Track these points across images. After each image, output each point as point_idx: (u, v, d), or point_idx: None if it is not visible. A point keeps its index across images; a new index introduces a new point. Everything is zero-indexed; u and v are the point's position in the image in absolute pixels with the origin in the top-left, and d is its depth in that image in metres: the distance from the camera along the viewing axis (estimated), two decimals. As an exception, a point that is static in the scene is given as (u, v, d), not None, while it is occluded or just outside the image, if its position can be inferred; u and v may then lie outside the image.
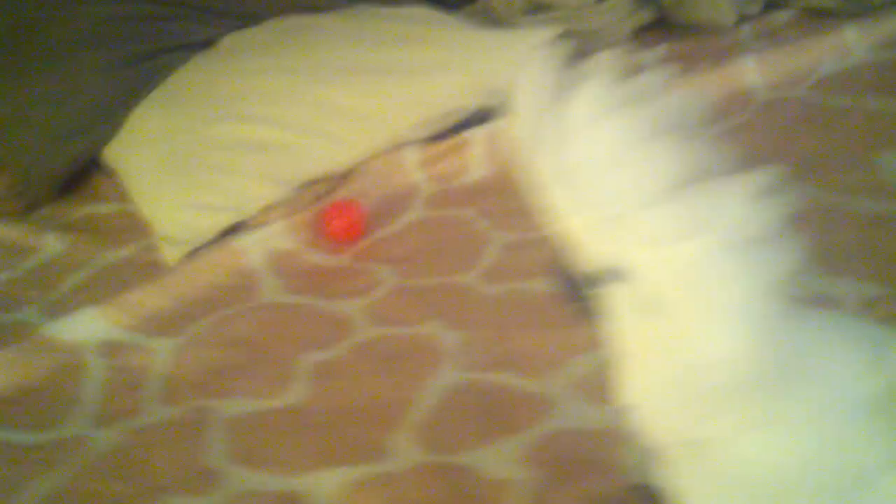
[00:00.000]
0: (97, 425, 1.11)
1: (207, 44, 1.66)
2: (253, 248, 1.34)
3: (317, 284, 1.30)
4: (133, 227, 1.47)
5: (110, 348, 1.21)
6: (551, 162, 0.60)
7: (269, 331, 1.22)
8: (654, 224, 0.59)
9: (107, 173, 1.57)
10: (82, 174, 1.60)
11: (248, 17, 1.71)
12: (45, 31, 1.60)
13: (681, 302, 0.61)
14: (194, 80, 1.56)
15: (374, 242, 1.37)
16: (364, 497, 0.96)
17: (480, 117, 1.53)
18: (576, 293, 0.68)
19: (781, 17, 1.84)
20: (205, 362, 1.18)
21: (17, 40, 1.60)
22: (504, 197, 1.41)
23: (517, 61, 1.56)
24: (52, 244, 1.46)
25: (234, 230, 1.39)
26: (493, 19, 1.82)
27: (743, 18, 1.83)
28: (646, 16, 1.85)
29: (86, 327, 1.23)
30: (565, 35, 1.63)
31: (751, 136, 1.45)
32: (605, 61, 0.58)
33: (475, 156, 1.48)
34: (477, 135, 1.49)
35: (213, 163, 1.43)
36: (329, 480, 0.98)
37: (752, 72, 1.61)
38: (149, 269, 1.36)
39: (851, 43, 1.66)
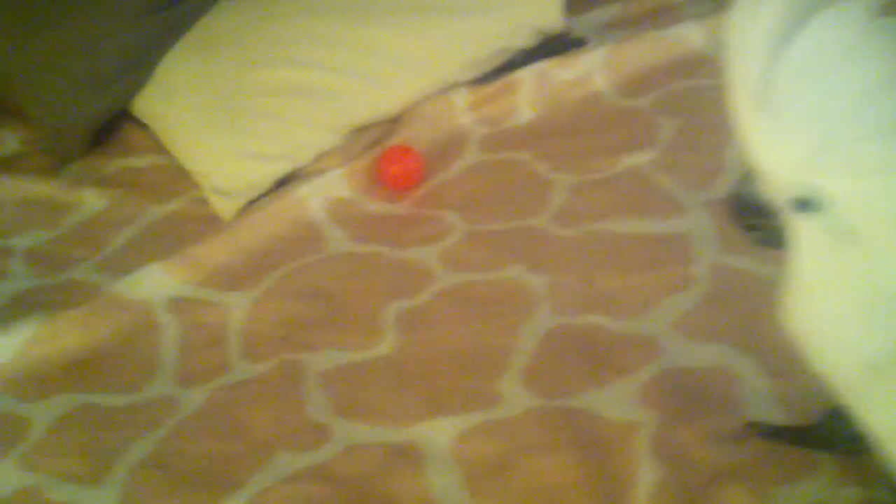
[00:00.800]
0: (184, 385, 1.08)
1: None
2: (312, 198, 1.31)
3: (384, 233, 1.27)
4: (175, 179, 1.42)
5: (182, 305, 1.17)
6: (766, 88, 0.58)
7: (344, 281, 1.19)
8: (868, 156, 0.58)
9: (139, 125, 1.51)
10: (113, 127, 1.53)
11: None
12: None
13: (881, 236, 0.61)
14: (228, 24, 1.50)
15: (432, 188, 1.34)
16: (482, 445, 0.94)
17: (524, 58, 1.50)
18: (755, 221, 0.67)
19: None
20: (285, 316, 1.15)
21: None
22: (558, 138, 1.40)
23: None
24: (91, 200, 1.41)
25: (287, 179, 1.36)
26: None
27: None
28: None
29: (153, 285, 1.19)
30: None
31: None
32: None
33: (524, 97, 1.46)
34: (525, 76, 1.46)
35: (260, 110, 1.38)
36: (442, 430, 0.97)
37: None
38: (204, 222, 1.32)
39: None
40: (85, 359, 1.12)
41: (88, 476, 0.98)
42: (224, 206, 1.33)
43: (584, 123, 1.40)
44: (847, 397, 0.68)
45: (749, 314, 1.01)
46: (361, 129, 1.41)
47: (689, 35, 1.50)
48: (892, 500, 0.80)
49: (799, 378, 0.92)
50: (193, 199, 1.38)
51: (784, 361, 0.75)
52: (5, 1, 1.51)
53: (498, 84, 1.46)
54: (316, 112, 1.38)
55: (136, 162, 1.49)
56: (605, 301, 1.09)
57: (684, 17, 1.55)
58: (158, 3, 1.52)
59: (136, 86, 1.48)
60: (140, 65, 1.48)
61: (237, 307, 1.17)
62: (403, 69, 1.43)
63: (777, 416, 0.91)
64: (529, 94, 1.46)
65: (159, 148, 1.47)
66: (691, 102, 1.39)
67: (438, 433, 0.97)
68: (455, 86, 1.46)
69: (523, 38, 1.49)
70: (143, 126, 1.51)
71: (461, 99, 1.45)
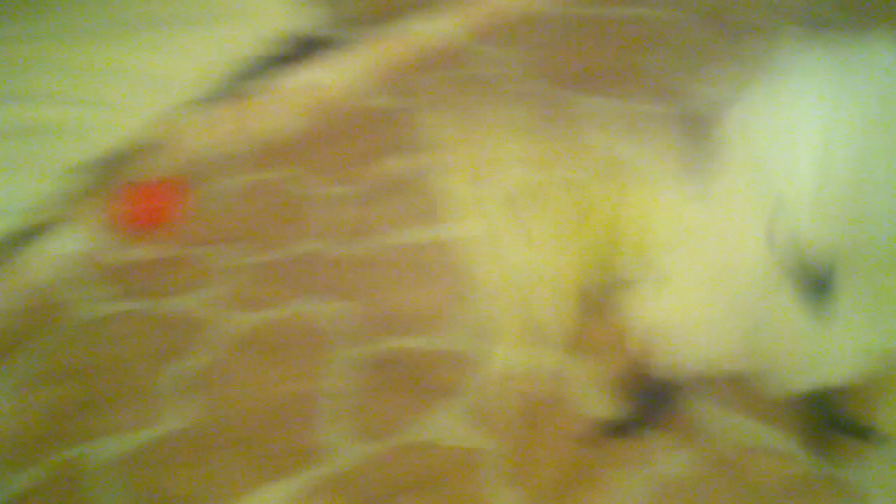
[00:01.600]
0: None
1: None
2: (47, 259, 1.12)
3: (143, 284, 1.12)
4: None
5: None
6: None
7: (106, 351, 1.03)
8: None
9: None
10: None
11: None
12: None
13: None
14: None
15: (194, 222, 1.21)
16: (324, 504, 0.87)
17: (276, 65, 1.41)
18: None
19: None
20: (45, 406, 0.97)
21: None
22: (328, 148, 1.32)
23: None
24: None
25: (13, 241, 1.15)
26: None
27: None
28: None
29: None
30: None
31: None
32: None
33: (285, 107, 1.37)
34: (281, 83, 1.39)
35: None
36: (275, 498, 0.87)
37: None
38: None
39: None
40: None
41: None
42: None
43: (351, 127, 1.35)
44: None
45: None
46: (98, 165, 1.23)
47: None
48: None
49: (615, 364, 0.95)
50: None
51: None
52: None
53: (253, 96, 1.36)
54: (41, 152, 1.18)
55: None
56: (401, 319, 1.05)
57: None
58: None
59: None
60: None
61: (-19, 407, 0.97)
62: (140, 90, 1.27)
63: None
64: (289, 102, 1.38)
65: None
66: (456, 95, 1.36)
67: (272, 500, 0.87)
68: (202, 102, 1.34)
69: (267, 45, 1.41)
70: None
71: (211, 115, 1.33)
